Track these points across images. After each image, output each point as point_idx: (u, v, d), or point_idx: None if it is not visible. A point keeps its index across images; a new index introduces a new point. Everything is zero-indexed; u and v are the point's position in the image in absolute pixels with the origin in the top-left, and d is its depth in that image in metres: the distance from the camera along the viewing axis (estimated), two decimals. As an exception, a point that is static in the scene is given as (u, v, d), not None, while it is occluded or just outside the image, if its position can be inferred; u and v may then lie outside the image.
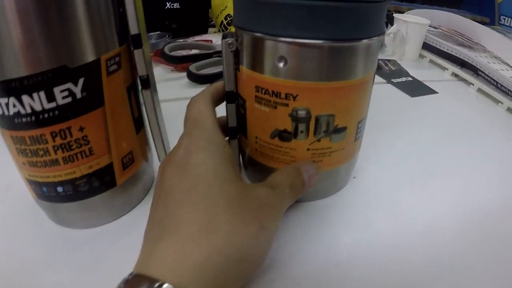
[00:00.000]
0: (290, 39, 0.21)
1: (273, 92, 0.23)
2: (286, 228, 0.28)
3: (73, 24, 0.21)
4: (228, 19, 0.75)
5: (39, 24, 0.20)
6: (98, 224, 0.28)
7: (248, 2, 0.23)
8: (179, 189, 0.21)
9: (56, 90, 0.22)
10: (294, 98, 0.23)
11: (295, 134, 0.25)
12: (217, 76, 0.55)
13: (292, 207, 0.29)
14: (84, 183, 0.25)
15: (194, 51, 0.61)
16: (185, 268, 0.18)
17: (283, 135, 0.25)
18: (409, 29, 0.64)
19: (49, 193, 0.26)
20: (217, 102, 0.27)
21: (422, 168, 0.36)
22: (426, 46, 0.69)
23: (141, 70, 0.26)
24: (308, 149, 0.26)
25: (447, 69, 0.64)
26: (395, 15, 0.68)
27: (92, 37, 0.22)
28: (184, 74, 0.54)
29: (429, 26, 0.71)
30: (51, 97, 0.22)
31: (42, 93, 0.21)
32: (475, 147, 0.41)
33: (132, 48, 0.25)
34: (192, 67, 0.53)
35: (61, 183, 0.25)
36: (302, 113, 0.24)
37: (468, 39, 0.76)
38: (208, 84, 0.45)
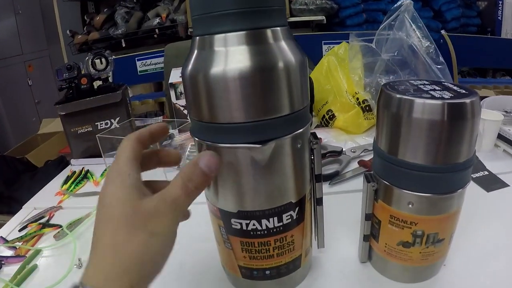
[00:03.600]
0: (417, 193, 0.38)
1: (402, 220, 0.40)
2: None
3: (302, 178, 0.39)
4: (330, 113, 0.85)
5: (287, 179, 0.38)
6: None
7: (387, 167, 0.40)
8: (98, 215, 0.29)
9: (284, 216, 0.39)
10: (415, 224, 0.39)
11: (413, 244, 0.40)
12: (334, 176, 0.68)
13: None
14: (285, 267, 0.41)
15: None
16: (100, 274, 0.26)
17: (405, 244, 0.41)
18: (485, 126, 0.74)
19: (258, 275, 0.42)
20: (143, 141, 0.33)
21: (495, 257, 0.47)
22: (500, 136, 0.78)
23: (318, 193, 0.42)
24: (420, 252, 0.41)
25: (520, 159, 0.72)
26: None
27: (305, 182, 0.40)
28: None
29: (503, 112, 0.79)
30: (280, 220, 0.39)
31: (275, 218, 0.38)
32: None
33: (315, 182, 0.41)
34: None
35: (269, 269, 0.41)
36: (419, 233, 0.40)
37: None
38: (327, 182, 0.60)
